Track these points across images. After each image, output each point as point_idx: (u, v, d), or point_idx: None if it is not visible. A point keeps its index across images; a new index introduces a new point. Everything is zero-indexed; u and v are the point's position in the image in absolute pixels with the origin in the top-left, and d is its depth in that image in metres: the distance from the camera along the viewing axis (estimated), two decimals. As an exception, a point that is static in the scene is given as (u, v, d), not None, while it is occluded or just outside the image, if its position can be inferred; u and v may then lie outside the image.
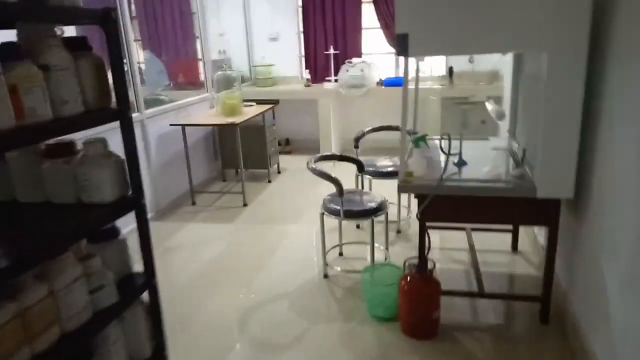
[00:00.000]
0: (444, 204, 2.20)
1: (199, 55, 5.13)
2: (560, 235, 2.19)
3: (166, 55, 5.72)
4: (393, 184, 2.32)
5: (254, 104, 4.73)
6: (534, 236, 3.07)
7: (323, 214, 2.78)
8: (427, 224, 2.28)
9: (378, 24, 5.38)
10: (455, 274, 2.81)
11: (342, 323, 2.43)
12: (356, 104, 5.52)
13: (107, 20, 1.37)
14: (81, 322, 1.22)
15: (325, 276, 2.87)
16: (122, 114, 1.37)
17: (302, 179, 4.63)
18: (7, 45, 1.11)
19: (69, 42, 1.31)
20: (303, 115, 5.71)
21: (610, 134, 1.82)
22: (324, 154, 3.23)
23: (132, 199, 1.41)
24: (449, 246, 3.17)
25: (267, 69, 5.71)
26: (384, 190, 3.11)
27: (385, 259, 2.99)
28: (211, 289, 2.82)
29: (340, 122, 5.61)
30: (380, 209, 2.75)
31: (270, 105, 4.81)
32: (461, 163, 2.36)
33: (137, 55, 4.44)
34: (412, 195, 2.43)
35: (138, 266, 1.53)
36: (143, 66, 5.14)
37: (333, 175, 2.69)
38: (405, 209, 3.65)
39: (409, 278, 2.26)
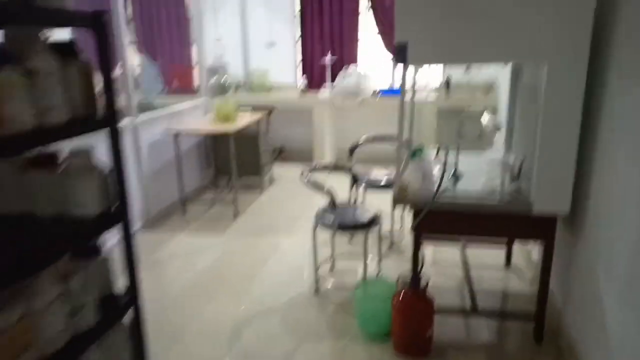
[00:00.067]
0: (438, 218, 2.16)
1: (195, 61, 5.08)
2: (555, 250, 2.16)
3: (161, 60, 5.67)
4: (387, 194, 2.28)
5: (249, 110, 4.66)
6: (527, 252, 3.03)
7: (315, 228, 2.73)
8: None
9: (376, 31, 5.37)
10: (448, 290, 2.77)
11: (334, 340, 2.37)
12: (351, 114, 5.49)
13: (98, 24, 1.32)
14: (59, 345, 1.15)
15: (317, 291, 2.81)
16: (110, 123, 1.31)
17: (296, 188, 4.57)
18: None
19: (56, 46, 1.26)
20: (297, 123, 5.67)
21: (608, 146, 1.80)
22: (318, 165, 3.18)
23: (117, 213, 1.34)
24: (441, 260, 3.12)
25: (263, 75, 5.68)
26: (378, 200, 3.07)
27: (378, 272, 2.94)
28: (203, 300, 2.76)
29: (335, 131, 5.58)
30: (374, 222, 2.71)
31: (266, 111, 4.75)
32: (457, 176, 2.33)
33: (132, 59, 4.38)
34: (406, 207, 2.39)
35: (124, 279, 1.47)
36: (138, 70, 5.09)
37: (327, 188, 2.64)
38: (398, 220, 3.60)
39: (402, 295, 2.22)
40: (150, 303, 2.72)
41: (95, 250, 1.37)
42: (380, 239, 2.95)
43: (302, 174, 2.79)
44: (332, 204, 2.62)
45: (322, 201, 2.81)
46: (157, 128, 4.02)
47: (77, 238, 1.22)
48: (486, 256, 3.08)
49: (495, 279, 2.90)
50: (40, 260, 1.10)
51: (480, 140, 2.21)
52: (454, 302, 2.64)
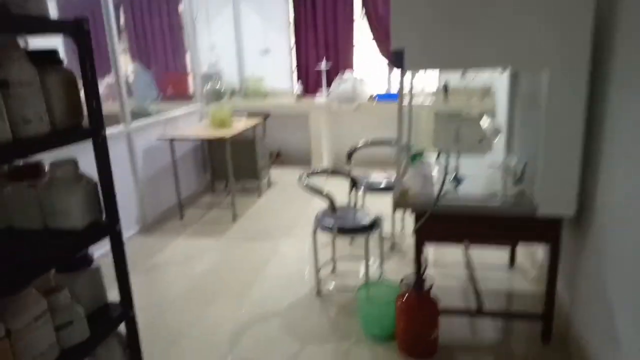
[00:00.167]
0: (440, 222, 2.11)
1: (189, 68, 5.04)
2: (561, 251, 2.11)
3: (155, 67, 5.63)
4: (387, 197, 2.23)
5: (244, 117, 4.62)
6: (532, 251, 2.98)
7: (315, 231, 2.68)
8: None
9: (371, 37, 5.32)
10: (453, 291, 2.72)
11: (337, 342, 2.32)
12: (348, 118, 5.45)
13: (80, 31, 1.27)
14: (47, 362, 1.10)
15: (319, 293, 2.76)
16: (95, 133, 1.26)
17: (294, 192, 4.52)
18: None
19: (35, 55, 1.21)
20: (294, 128, 5.62)
21: (614, 145, 1.76)
22: (317, 170, 3.14)
23: (106, 225, 1.29)
24: (444, 261, 3.07)
25: (258, 81, 5.63)
26: (378, 202, 3.01)
27: (380, 275, 2.89)
28: (201, 304, 2.71)
29: (332, 136, 5.53)
30: (375, 225, 2.66)
31: (262, 116, 4.71)
32: (458, 180, 2.29)
33: (125, 67, 4.35)
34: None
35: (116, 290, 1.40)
36: (131, 77, 5.05)
37: (326, 191, 2.59)
38: (399, 222, 3.55)
39: (406, 296, 2.17)
40: (148, 308, 2.70)
41: (85, 261, 1.32)
42: (381, 241, 2.90)
43: (300, 177, 2.75)
44: (332, 207, 2.57)
45: (320, 204, 2.76)
46: (153, 134, 3.98)
47: (63, 251, 1.16)
48: (490, 256, 3.02)
49: (500, 279, 2.84)
50: (23, 275, 1.05)
51: (480, 144, 2.16)
52: (459, 303, 2.59)
